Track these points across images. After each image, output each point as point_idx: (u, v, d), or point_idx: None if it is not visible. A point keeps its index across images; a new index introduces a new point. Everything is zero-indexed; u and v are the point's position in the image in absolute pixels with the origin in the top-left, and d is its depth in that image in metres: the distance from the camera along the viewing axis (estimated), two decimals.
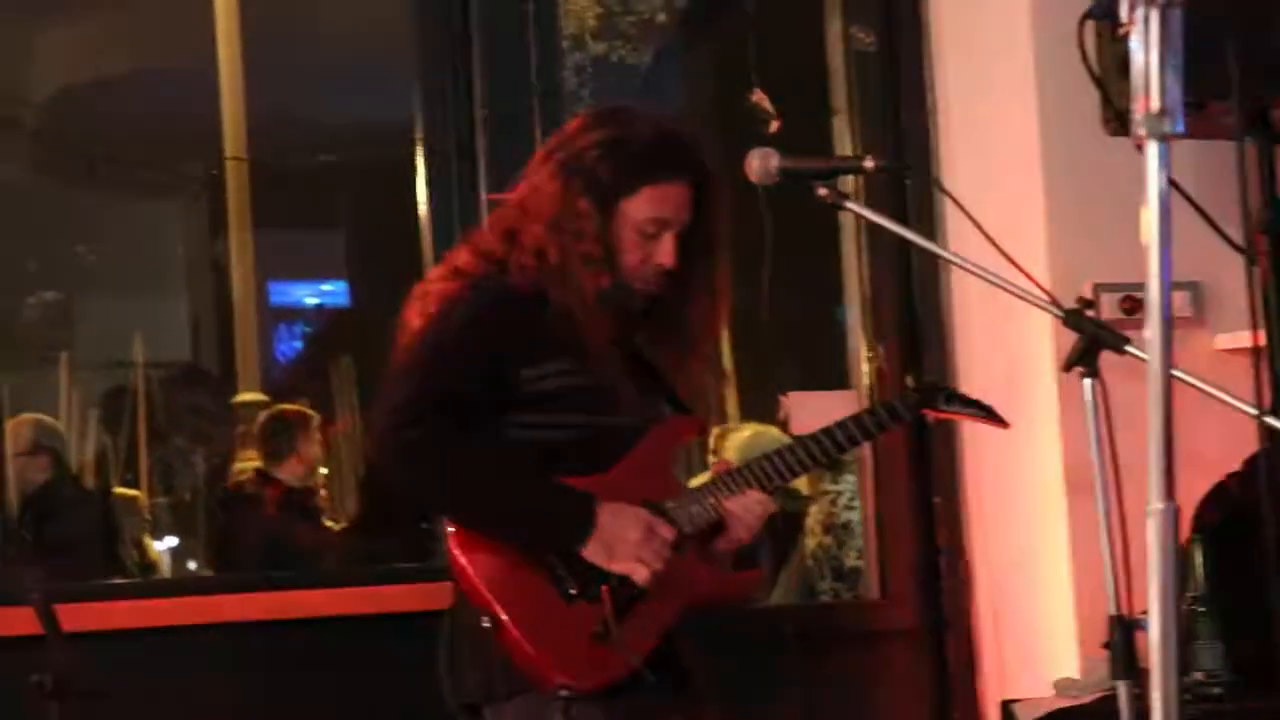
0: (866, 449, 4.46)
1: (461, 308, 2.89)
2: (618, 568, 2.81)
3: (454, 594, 2.89)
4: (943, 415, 3.20)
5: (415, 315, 2.99)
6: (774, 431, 5.73)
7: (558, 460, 2.87)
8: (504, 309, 2.90)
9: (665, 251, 2.95)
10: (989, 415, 3.17)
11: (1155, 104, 1.62)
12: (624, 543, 2.81)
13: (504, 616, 2.76)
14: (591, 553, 2.80)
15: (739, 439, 5.64)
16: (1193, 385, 2.52)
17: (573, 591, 2.81)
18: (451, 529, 2.84)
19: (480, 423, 2.85)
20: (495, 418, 2.88)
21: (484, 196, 4.12)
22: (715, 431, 5.59)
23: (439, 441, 2.78)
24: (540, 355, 2.89)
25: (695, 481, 3.08)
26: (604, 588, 2.81)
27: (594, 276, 2.89)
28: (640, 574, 2.81)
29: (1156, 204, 1.63)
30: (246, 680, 3.91)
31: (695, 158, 2.98)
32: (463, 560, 2.81)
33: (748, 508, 2.94)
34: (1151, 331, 1.60)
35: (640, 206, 2.93)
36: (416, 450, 2.77)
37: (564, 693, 2.75)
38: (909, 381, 3.18)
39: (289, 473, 6.67)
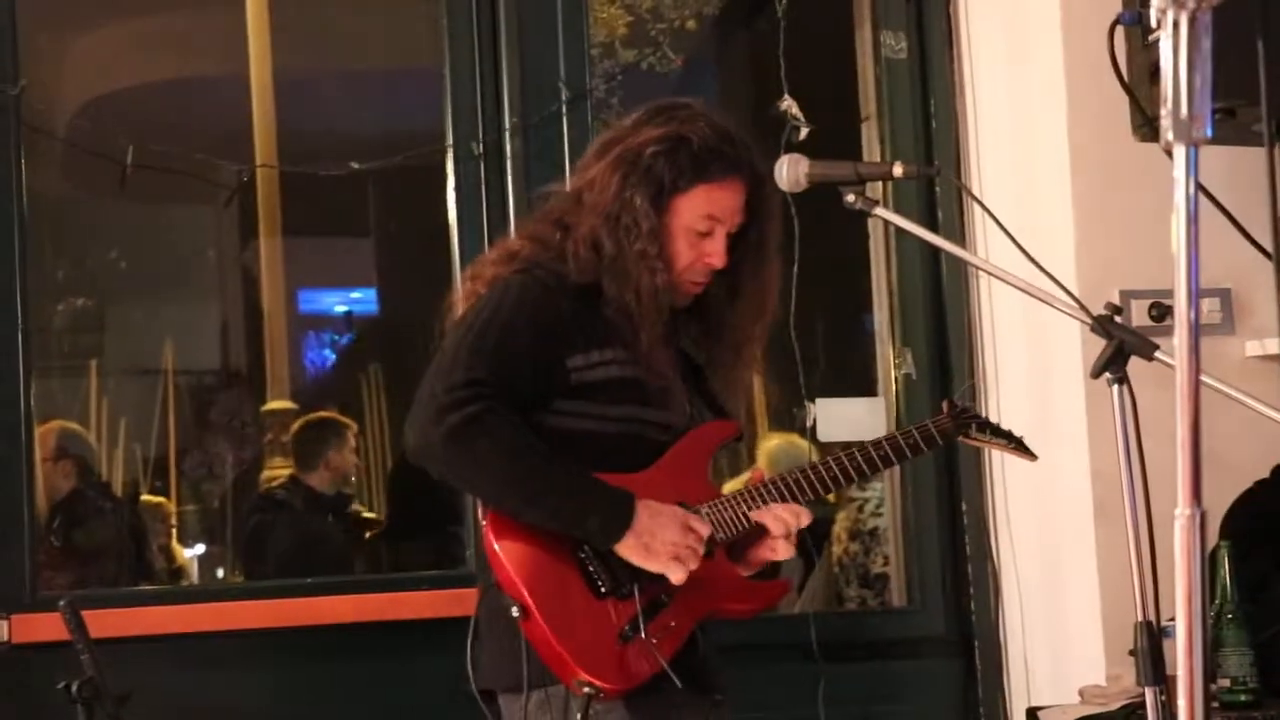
0: None
1: (515, 292, 2.89)
2: (655, 566, 2.80)
3: (483, 584, 2.89)
4: (973, 443, 3.21)
5: (465, 297, 2.99)
6: (800, 442, 5.73)
7: (598, 453, 2.87)
8: (555, 296, 2.90)
9: (716, 250, 2.96)
10: (1019, 447, 3.20)
11: (1184, 109, 1.61)
12: (661, 541, 2.80)
13: (533, 607, 2.76)
14: (627, 549, 2.80)
15: (767, 448, 5.64)
16: (1221, 391, 2.51)
17: (604, 588, 2.81)
18: (487, 519, 2.84)
19: (527, 407, 2.85)
20: (539, 406, 2.87)
21: (512, 204, 4.14)
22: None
23: (484, 425, 2.76)
24: (589, 345, 2.89)
25: (727, 488, 3.06)
26: (635, 586, 2.81)
27: (650, 273, 2.89)
28: (677, 573, 2.81)
29: (1184, 209, 1.62)
30: (272, 686, 3.92)
31: (751, 158, 2.98)
32: (497, 548, 2.81)
33: (784, 519, 2.93)
34: (1179, 335, 1.60)
35: (695, 204, 2.93)
36: (464, 432, 2.75)
37: (587, 689, 2.75)
38: (944, 406, 3.18)
39: (321, 480, 6.69)
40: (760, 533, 2.95)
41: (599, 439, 2.90)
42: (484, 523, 2.86)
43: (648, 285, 2.89)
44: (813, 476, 2.98)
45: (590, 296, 2.91)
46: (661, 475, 2.92)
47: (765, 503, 2.94)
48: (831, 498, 5.92)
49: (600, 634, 2.80)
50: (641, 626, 2.80)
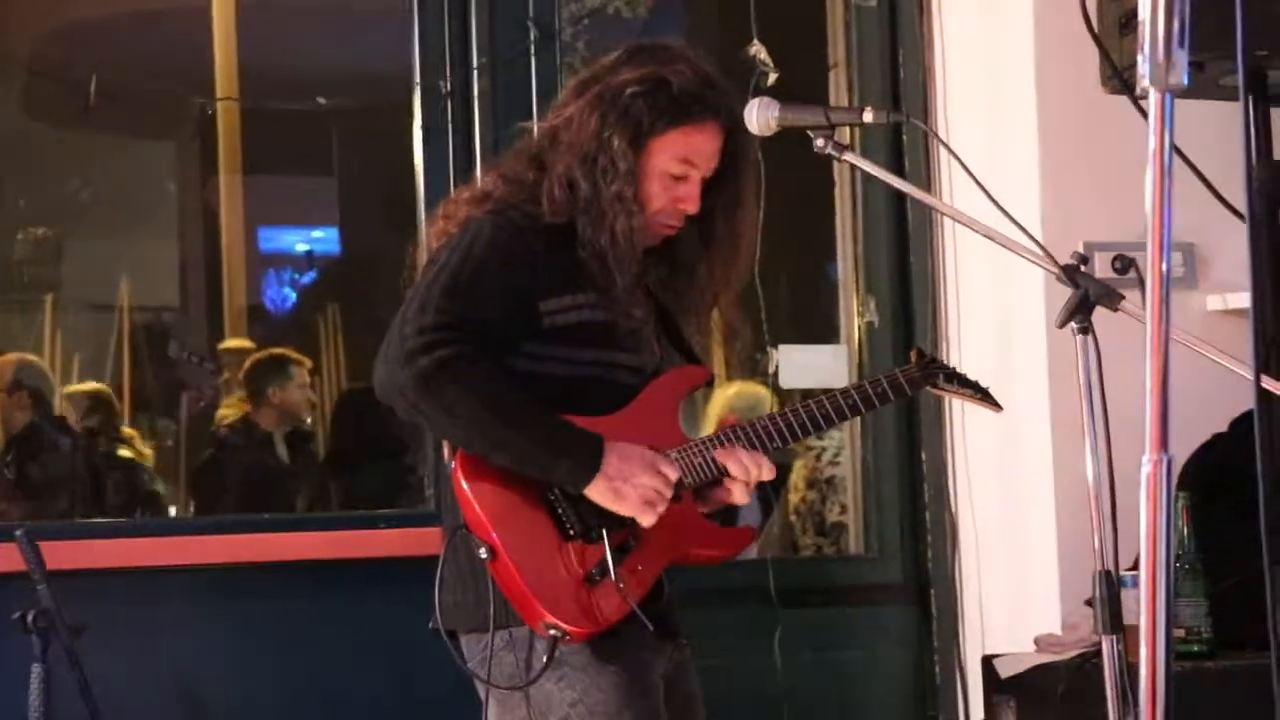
0: None
1: (487, 234, 2.87)
2: (624, 509, 2.80)
3: (449, 525, 2.89)
4: (940, 392, 3.21)
5: (436, 236, 2.97)
6: (759, 389, 5.73)
7: (568, 396, 2.85)
8: (528, 238, 2.88)
9: (690, 195, 2.94)
10: (985, 398, 3.20)
11: (1160, 55, 1.61)
12: (631, 485, 2.80)
13: (501, 548, 2.76)
14: (597, 493, 2.79)
15: (724, 395, 5.63)
16: (1187, 344, 2.52)
17: (572, 531, 2.81)
18: (457, 459, 2.84)
19: (497, 351, 2.84)
20: (510, 348, 2.86)
21: (478, 144, 4.11)
22: None
23: (454, 367, 2.75)
24: (562, 288, 2.87)
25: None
26: (604, 529, 2.81)
27: (626, 215, 2.87)
28: (646, 517, 2.81)
29: (1158, 156, 1.62)
30: (227, 622, 3.91)
31: (729, 103, 2.96)
32: (466, 489, 2.80)
33: (747, 466, 2.93)
34: (1150, 281, 1.60)
35: (671, 146, 2.91)
36: (434, 376, 2.74)
37: (553, 632, 2.75)
38: (912, 356, 3.18)
39: (269, 418, 6.67)
40: (723, 474, 2.96)
41: (569, 382, 2.89)
42: (453, 464, 2.85)
43: (623, 227, 2.88)
44: (781, 424, 2.97)
45: (563, 238, 2.90)
46: (632, 419, 2.92)
47: (731, 450, 2.94)
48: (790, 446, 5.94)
49: (568, 577, 2.80)
50: (611, 569, 2.80)
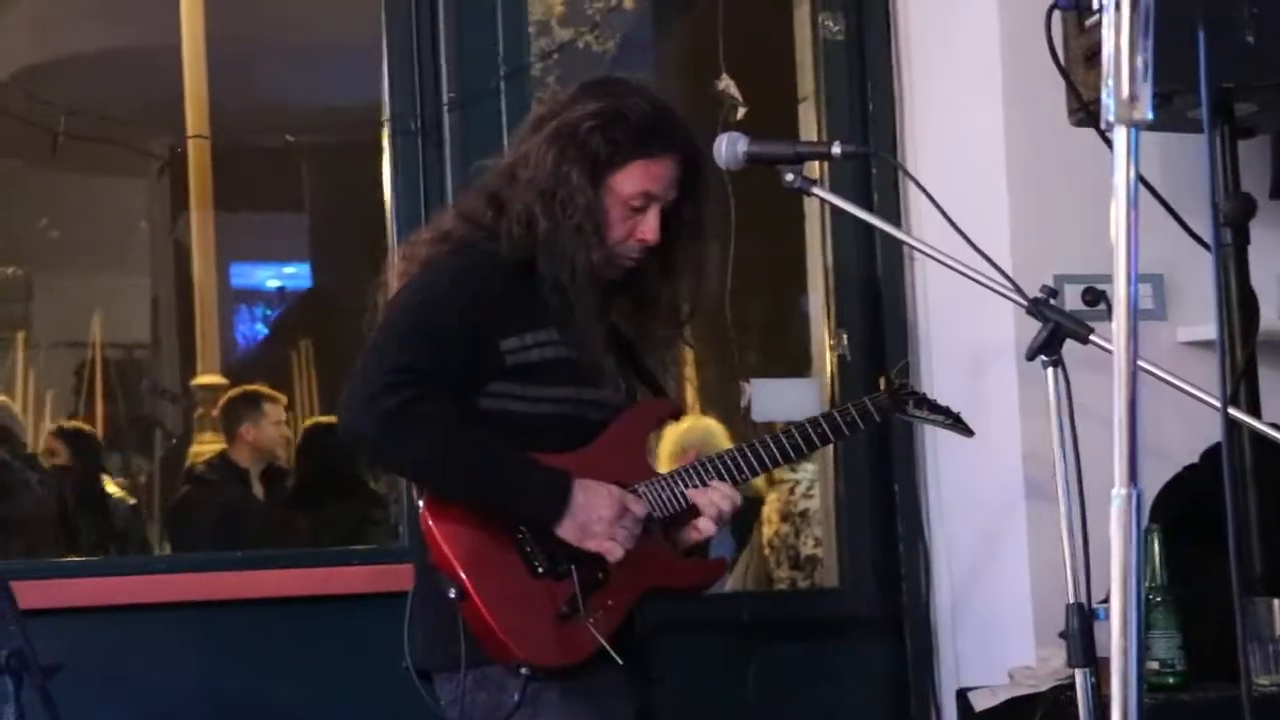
0: None
1: (448, 275, 2.88)
2: (592, 545, 2.80)
3: (420, 565, 2.88)
4: (911, 419, 3.22)
5: (397, 277, 2.97)
6: (711, 423, 5.73)
7: (534, 434, 2.86)
8: (488, 277, 2.88)
9: (649, 227, 2.94)
10: (956, 423, 3.22)
11: (1125, 90, 1.62)
12: (598, 521, 2.80)
13: (471, 588, 2.76)
14: (565, 530, 2.79)
15: (676, 430, 5.61)
16: (1156, 375, 2.53)
17: (541, 569, 2.81)
18: (425, 499, 2.84)
19: (460, 393, 2.84)
20: (473, 388, 2.86)
21: (449, 180, 4.11)
22: None
23: (418, 410, 2.76)
24: (523, 326, 2.88)
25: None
26: (572, 566, 2.81)
27: (585, 249, 2.88)
28: (614, 553, 2.81)
29: (1124, 191, 1.63)
30: (202, 658, 3.89)
31: (686, 134, 2.98)
32: (435, 530, 2.80)
33: (715, 502, 2.94)
34: (1117, 315, 1.61)
35: (631, 179, 2.92)
36: (397, 419, 2.75)
37: (524, 670, 2.75)
38: (881, 383, 3.19)
39: (243, 454, 6.65)
40: (692, 513, 2.96)
41: (534, 420, 2.89)
42: (421, 504, 2.85)
43: (583, 261, 2.88)
44: (750, 455, 2.98)
45: (523, 275, 2.90)
46: (598, 455, 2.92)
47: (704, 482, 2.94)
48: (762, 480, 5.93)
49: (538, 614, 2.80)
50: (580, 605, 2.79)
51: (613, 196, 2.92)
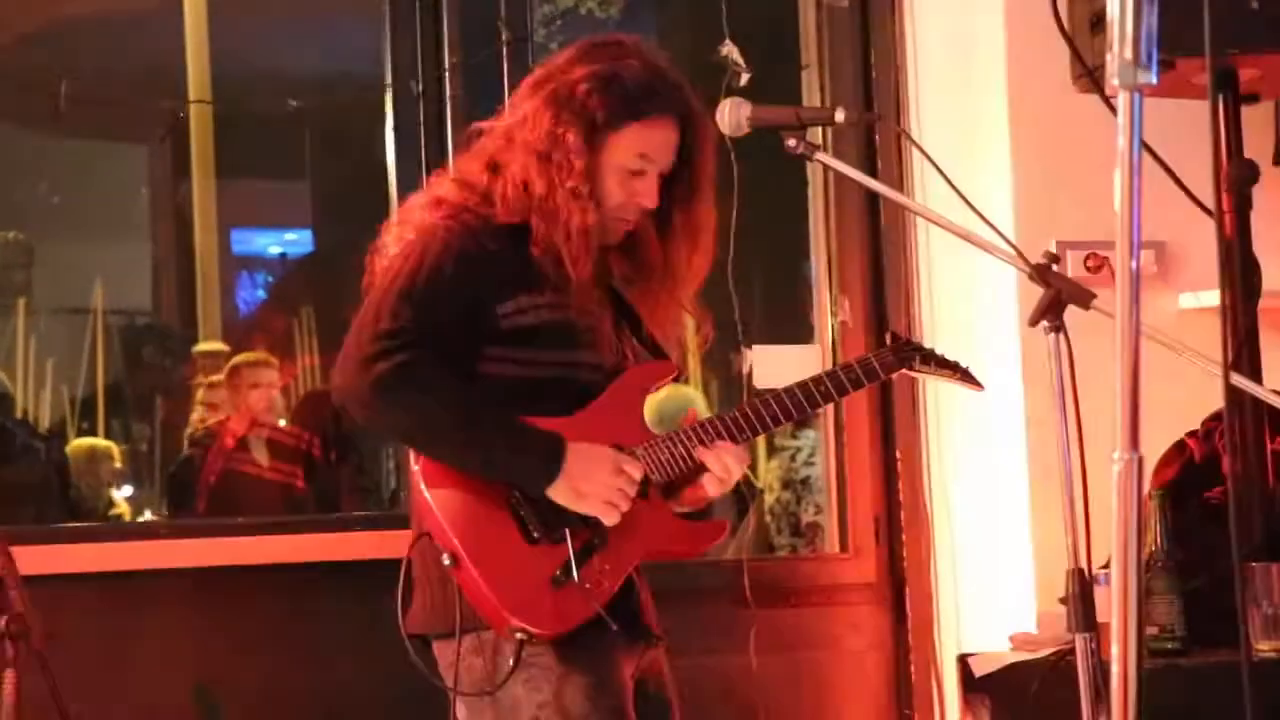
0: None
1: (441, 239, 2.86)
2: (586, 509, 2.79)
3: (415, 531, 2.88)
4: (917, 374, 3.17)
5: (392, 242, 2.97)
6: (689, 391, 5.71)
7: (530, 398, 2.84)
8: (483, 241, 2.86)
9: (648, 190, 2.92)
10: (965, 377, 3.14)
11: (1129, 55, 1.61)
12: (592, 484, 2.79)
13: (464, 555, 2.75)
14: (558, 493, 2.79)
15: (654, 399, 5.59)
16: (1158, 340, 2.52)
17: (535, 534, 2.80)
18: (418, 465, 2.84)
19: (454, 357, 2.83)
20: (469, 352, 2.85)
21: (451, 145, 4.11)
22: None
23: (412, 373, 2.75)
24: (518, 290, 2.86)
25: None
26: (566, 530, 2.81)
27: (581, 212, 2.86)
28: (609, 516, 2.80)
29: (1127, 155, 1.63)
30: (201, 624, 3.90)
31: (684, 96, 2.96)
32: (428, 496, 2.80)
33: (726, 463, 2.93)
34: (1120, 277, 1.60)
35: (628, 142, 2.89)
36: (391, 381, 2.74)
37: (519, 636, 2.74)
38: (887, 339, 3.15)
39: (245, 420, 6.66)
40: (697, 472, 2.95)
41: (531, 384, 2.87)
42: (415, 469, 2.84)
43: (578, 224, 2.86)
44: (751, 415, 2.96)
45: (518, 239, 2.88)
46: (595, 418, 2.90)
47: (705, 443, 2.93)
48: (763, 448, 5.94)
49: (533, 580, 2.78)
50: (574, 571, 2.79)
51: (610, 159, 2.90)
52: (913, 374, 3.14)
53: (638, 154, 2.91)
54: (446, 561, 2.76)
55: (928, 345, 3.17)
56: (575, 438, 2.82)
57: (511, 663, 2.76)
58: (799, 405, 2.99)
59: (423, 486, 2.81)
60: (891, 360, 3.08)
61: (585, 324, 2.90)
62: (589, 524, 2.82)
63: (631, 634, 2.89)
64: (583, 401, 2.90)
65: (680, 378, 3.18)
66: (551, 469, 2.78)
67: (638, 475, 2.84)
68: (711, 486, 2.95)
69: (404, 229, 2.96)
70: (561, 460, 2.78)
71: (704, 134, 2.97)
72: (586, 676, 2.80)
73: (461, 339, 2.84)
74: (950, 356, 3.16)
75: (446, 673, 2.83)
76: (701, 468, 2.93)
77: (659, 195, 2.94)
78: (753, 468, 5.66)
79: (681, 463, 2.92)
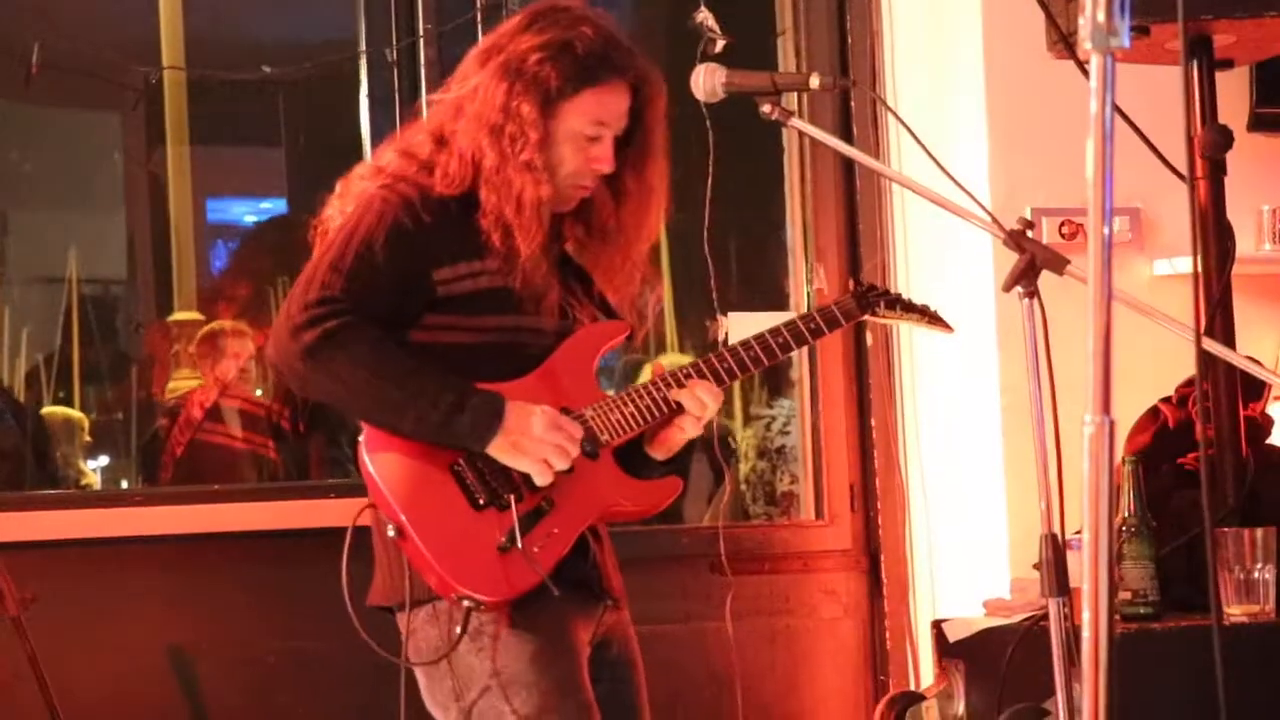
0: (805, 370, 4.49)
1: (376, 208, 2.84)
2: (523, 465, 2.77)
3: (369, 500, 2.87)
4: (884, 320, 3.16)
5: (334, 213, 2.96)
6: (641, 358, 5.71)
7: (472, 364, 2.83)
8: (418, 209, 2.84)
9: (604, 155, 2.91)
10: (933, 320, 3.13)
11: (1102, 18, 1.61)
12: (529, 440, 2.77)
13: (408, 524, 2.74)
14: (497, 449, 2.77)
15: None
16: (1131, 305, 2.53)
17: (481, 500, 2.79)
18: (363, 436, 2.83)
19: (392, 325, 2.81)
20: (405, 320, 2.84)
21: (424, 113, 4.09)
22: None
23: (341, 339, 2.74)
24: (455, 258, 2.84)
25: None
26: (511, 496, 2.80)
27: (535, 184, 2.85)
28: (542, 474, 2.79)
29: (1100, 119, 1.63)
30: (176, 593, 3.90)
31: (635, 59, 2.94)
32: (370, 467, 2.79)
33: (695, 395, 2.91)
34: (1092, 238, 1.60)
35: (582, 109, 2.88)
36: (321, 348, 2.73)
37: (467, 603, 2.74)
38: (850, 285, 3.14)
39: (215, 389, 6.64)
40: (664, 424, 2.94)
41: (473, 350, 2.86)
42: (360, 441, 2.83)
43: (530, 196, 2.85)
44: (705, 370, 2.95)
45: (460, 208, 2.87)
46: (543, 380, 2.89)
47: (656, 400, 2.91)
48: (739, 416, 5.93)
49: (479, 547, 2.77)
50: (518, 539, 2.78)
51: (564, 127, 2.88)
52: (879, 320, 3.13)
53: (594, 120, 2.90)
54: (391, 533, 2.75)
55: (901, 327, 3.16)
56: (517, 398, 2.80)
57: (458, 630, 2.76)
58: (755, 358, 2.97)
59: (365, 458, 2.80)
60: (852, 307, 3.06)
61: (530, 291, 2.88)
62: (536, 489, 2.81)
63: (588, 597, 2.89)
64: (528, 368, 2.89)
65: (633, 337, 3.16)
66: (491, 424, 2.76)
67: (577, 434, 2.82)
68: (689, 426, 2.94)
69: (344, 200, 2.95)
70: (501, 416, 2.76)
71: (655, 94, 2.97)
72: (534, 643, 2.79)
73: (397, 307, 2.83)
74: (921, 328, 3.15)
75: (409, 642, 2.83)
76: (664, 419, 2.92)
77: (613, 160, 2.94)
78: (731, 434, 5.66)
79: (634, 420, 2.90)
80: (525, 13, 2.96)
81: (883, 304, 3.09)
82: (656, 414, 2.91)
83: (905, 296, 3.13)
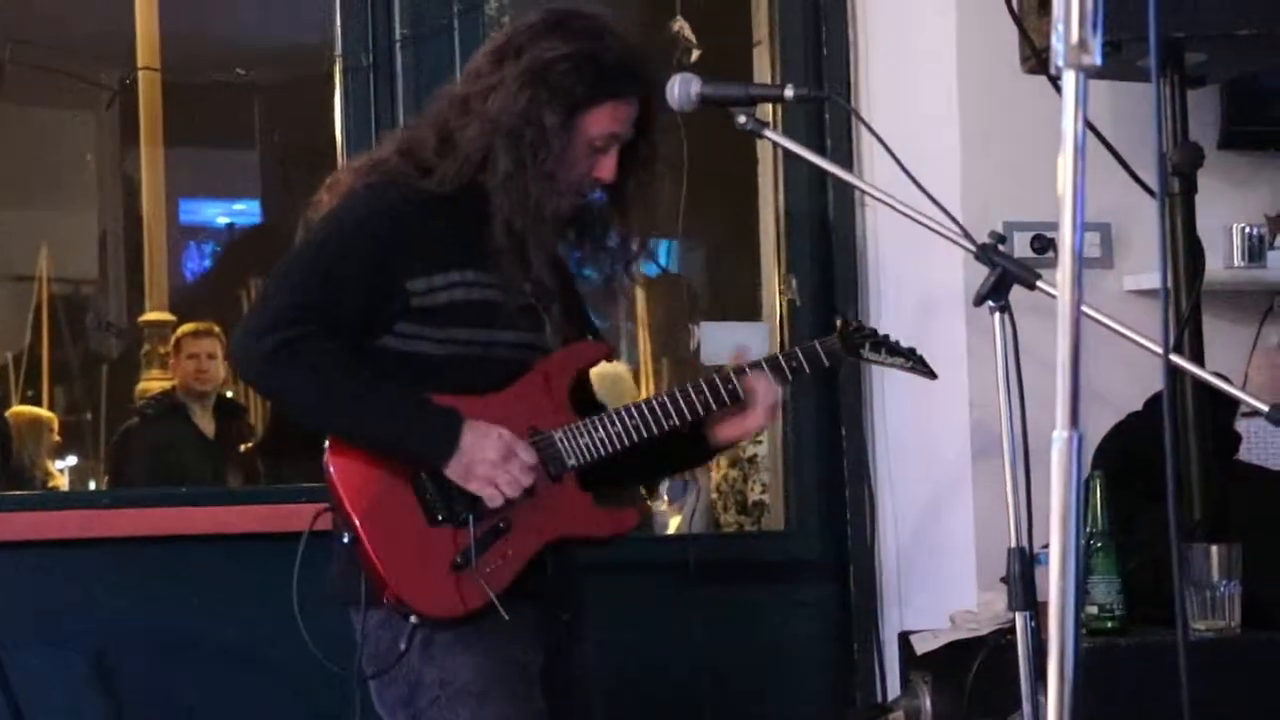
0: None
1: (359, 211, 2.82)
2: (474, 487, 2.75)
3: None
4: (868, 362, 3.15)
5: (320, 207, 2.92)
6: (619, 368, 5.71)
7: (440, 376, 2.80)
8: (403, 215, 2.81)
9: (608, 166, 2.88)
10: (917, 365, 3.12)
11: (1074, 35, 1.62)
12: (482, 463, 2.74)
13: (362, 533, 2.72)
14: (451, 471, 2.74)
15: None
16: (1101, 322, 2.54)
17: (440, 516, 2.77)
18: (328, 440, 2.80)
19: (359, 332, 2.78)
20: (379, 328, 2.81)
21: (401, 117, 4.09)
22: None
23: (301, 350, 2.71)
24: (432, 269, 2.81)
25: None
26: (470, 516, 2.76)
27: (554, 195, 2.82)
28: (493, 498, 2.76)
29: (1072, 136, 1.63)
30: (142, 595, 3.88)
31: (654, 75, 2.91)
32: (333, 473, 2.77)
33: (772, 389, 2.94)
34: (1062, 252, 1.61)
35: (598, 120, 2.85)
36: (280, 357, 2.70)
37: (413, 619, 2.73)
38: (837, 324, 3.12)
39: (190, 390, 6.63)
40: (722, 412, 2.95)
41: (441, 361, 2.83)
42: (326, 447, 2.80)
43: (551, 208, 2.82)
44: (681, 402, 2.91)
45: (451, 211, 2.83)
46: (513, 399, 2.85)
47: (627, 428, 2.89)
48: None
49: (432, 562, 2.75)
50: (473, 558, 2.76)
51: (579, 137, 2.85)
52: (863, 362, 3.12)
53: (607, 132, 2.87)
54: (345, 539, 2.74)
55: (878, 329, 3.15)
56: (484, 417, 2.77)
57: (404, 645, 2.75)
58: (733, 394, 2.95)
59: (328, 462, 2.78)
60: (838, 348, 3.05)
61: (516, 303, 2.85)
62: (496, 509, 2.79)
63: (543, 610, 2.86)
64: (503, 382, 2.86)
65: (611, 357, 3.15)
66: (448, 444, 2.74)
67: (530, 461, 2.79)
68: (764, 415, 2.97)
69: (331, 194, 2.91)
70: (458, 437, 2.74)
71: (659, 106, 2.95)
72: (482, 656, 2.76)
73: (366, 314, 2.80)
74: (904, 343, 3.15)
75: (358, 645, 2.82)
76: (634, 446, 2.90)
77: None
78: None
79: (604, 445, 2.88)
80: (546, 16, 2.91)
81: (867, 346, 3.09)
82: (628, 440, 2.89)
83: (892, 338, 3.12)
